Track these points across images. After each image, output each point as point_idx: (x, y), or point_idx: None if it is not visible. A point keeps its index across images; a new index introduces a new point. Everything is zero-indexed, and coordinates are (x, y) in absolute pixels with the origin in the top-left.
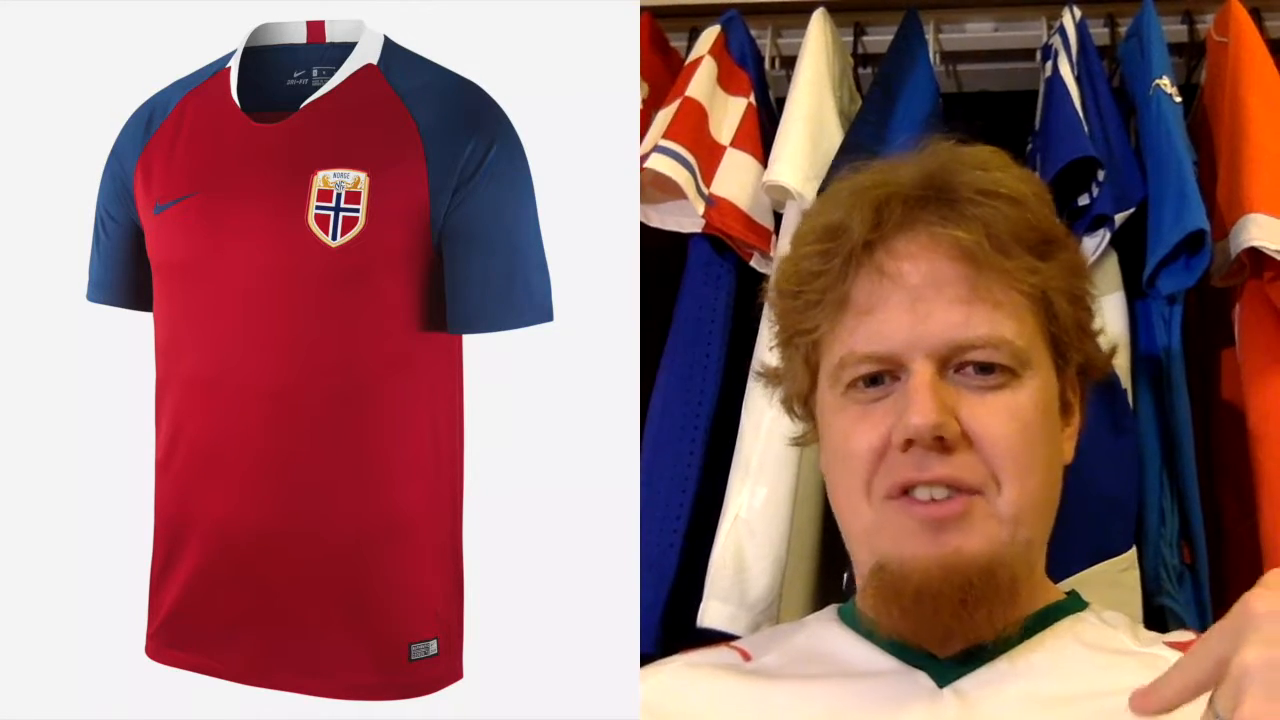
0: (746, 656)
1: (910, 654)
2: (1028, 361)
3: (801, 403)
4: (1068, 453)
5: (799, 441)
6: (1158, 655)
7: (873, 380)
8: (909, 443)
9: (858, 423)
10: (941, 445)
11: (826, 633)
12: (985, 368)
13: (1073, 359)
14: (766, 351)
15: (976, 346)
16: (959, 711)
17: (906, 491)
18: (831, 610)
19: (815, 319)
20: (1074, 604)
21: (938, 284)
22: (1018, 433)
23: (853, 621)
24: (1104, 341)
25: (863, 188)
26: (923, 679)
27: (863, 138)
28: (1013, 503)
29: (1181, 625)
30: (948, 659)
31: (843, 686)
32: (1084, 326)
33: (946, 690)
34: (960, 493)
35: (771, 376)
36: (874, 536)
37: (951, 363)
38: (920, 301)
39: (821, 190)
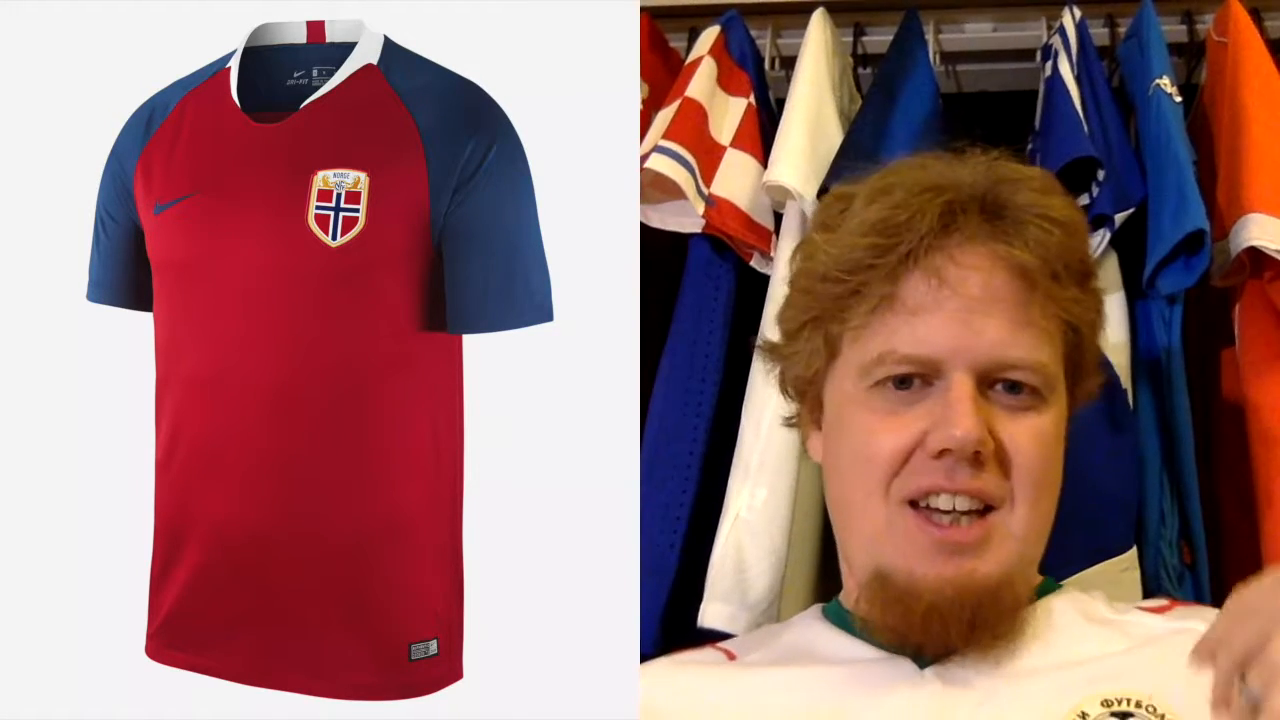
0: (731, 656)
1: (893, 646)
2: (1054, 387)
3: (804, 385)
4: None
5: (790, 422)
6: (1134, 620)
7: (901, 381)
8: (944, 452)
9: (885, 421)
10: (975, 459)
11: (810, 630)
12: (1016, 387)
13: (1083, 387)
14: (772, 327)
15: (1018, 367)
16: (941, 690)
17: (926, 499)
18: (815, 610)
19: (854, 311)
20: (1049, 585)
21: (994, 299)
22: (1040, 455)
23: (838, 619)
24: (1102, 341)
25: (926, 189)
26: (905, 663)
27: (863, 138)
28: (1024, 521)
29: None
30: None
31: (826, 673)
32: (1097, 353)
33: (928, 671)
34: (981, 513)
35: (774, 353)
36: (881, 541)
37: (989, 378)
38: (974, 314)
39: (826, 188)
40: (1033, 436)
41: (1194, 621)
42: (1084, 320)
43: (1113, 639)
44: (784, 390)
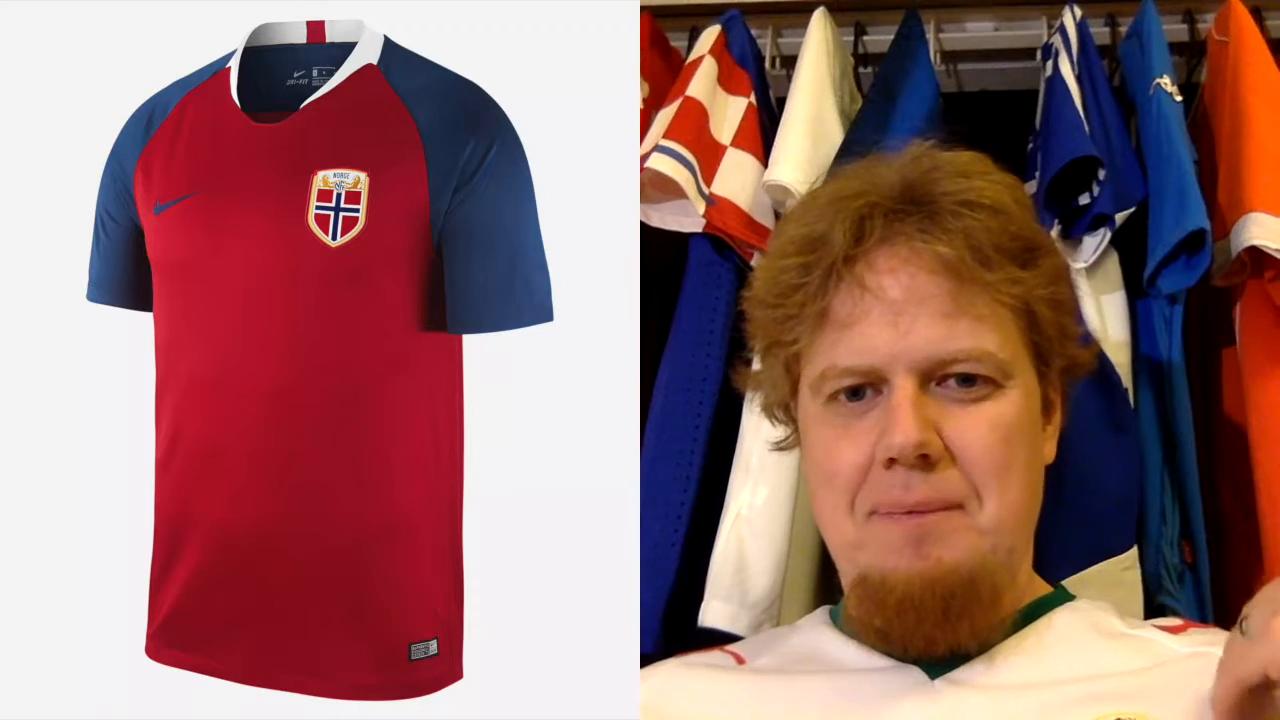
0: (740, 660)
1: (903, 655)
2: (1010, 372)
3: (783, 409)
4: (1049, 453)
5: (781, 446)
6: (1149, 638)
7: (854, 393)
8: (892, 461)
9: (840, 439)
10: (925, 462)
11: (819, 635)
12: (967, 380)
13: (1055, 363)
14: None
15: (959, 360)
16: (953, 700)
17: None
18: (823, 612)
19: (795, 331)
20: (1061, 596)
21: (919, 298)
22: (999, 444)
23: (844, 624)
24: (1103, 341)
25: (843, 197)
26: (915, 673)
27: (863, 137)
28: (993, 515)
29: None
30: (940, 654)
31: (837, 681)
32: (1066, 331)
33: (939, 681)
34: (943, 509)
35: (752, 382)
36: (856, 551)
37: (934, 376)
38: (902, 316)
39: None
40: (988, 425)
41: (1210, 646)
42: (1033, 298)
43: (1126, 656)
44: (770, 417)
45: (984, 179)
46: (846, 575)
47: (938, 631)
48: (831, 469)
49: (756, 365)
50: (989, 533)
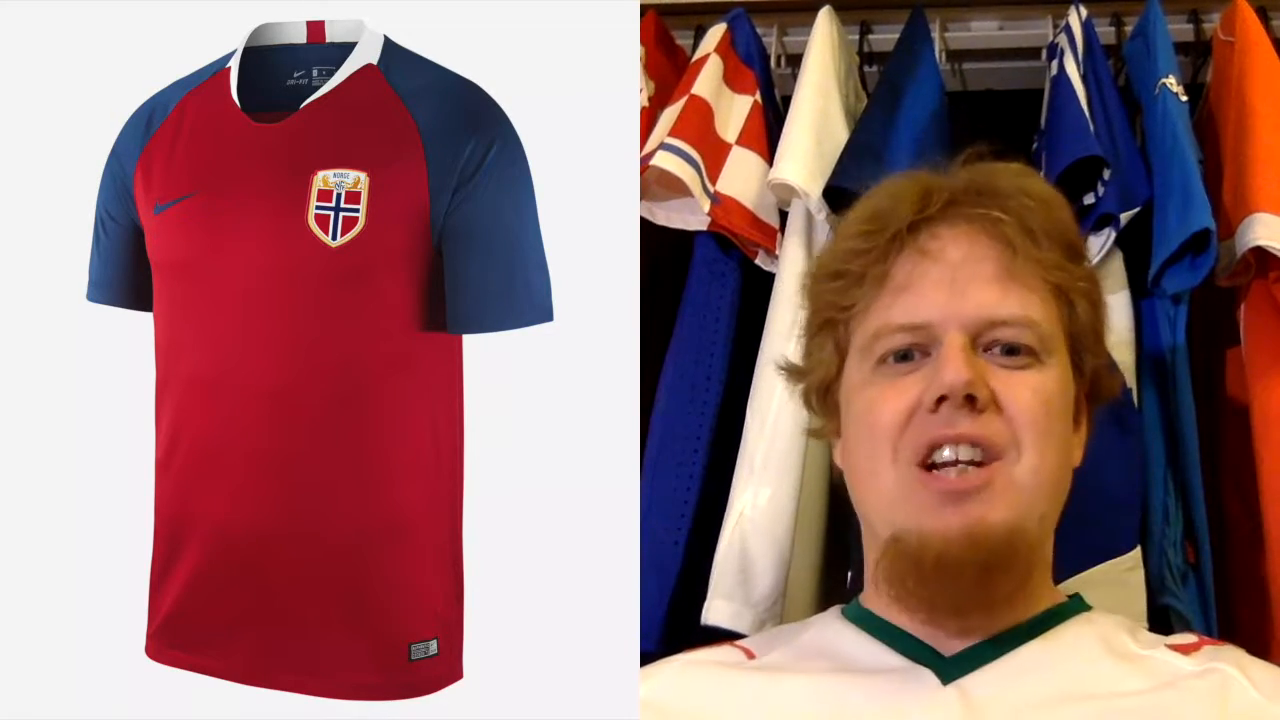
0: (750, 655)
1: (916, 651)
2: (1051, 348)
3: (824, 392)
4: (1076, 456)
5: (815, 433)
6: (1159, 659)
7: (903, 356)
8: (939, 402)
9: (886, 391)
10: (971, 405)
11: (831, 631)
12: (1012, 349)
13: (1087, 363)
14: (788, 346)
15: (1008, 324)
16: (962, 708)
17: (931, 460)
18: (836, 610)
19: (854, 296)
20: (1077, 606)
21: (975, 261)
22: (1041, 405)
23: (858, 620)
24: (1106, 340)
25: (905, 182)
26: (927, 676)
27: (868, 136)
28: (1032, 470)
29: (1185, 625)
30: (953, 656)
31: (847, 682)
32: (1099, 335)
33: (950, 687)
34: (983, 463)
35: (794, 371)
36: (894, 506)
37: (982, 338)
38: (959, 278)
39: (831, 186)
40: (1031, 389)
41: (1220, 663)
42: (1074, 289)
43: (1133, 676)
44: (808, 405)
45: (1037, 180)
46: (879, 538)
47: (973, 590)
48: (874, 419)
49: (799, 352)
50: (1027, 490)
